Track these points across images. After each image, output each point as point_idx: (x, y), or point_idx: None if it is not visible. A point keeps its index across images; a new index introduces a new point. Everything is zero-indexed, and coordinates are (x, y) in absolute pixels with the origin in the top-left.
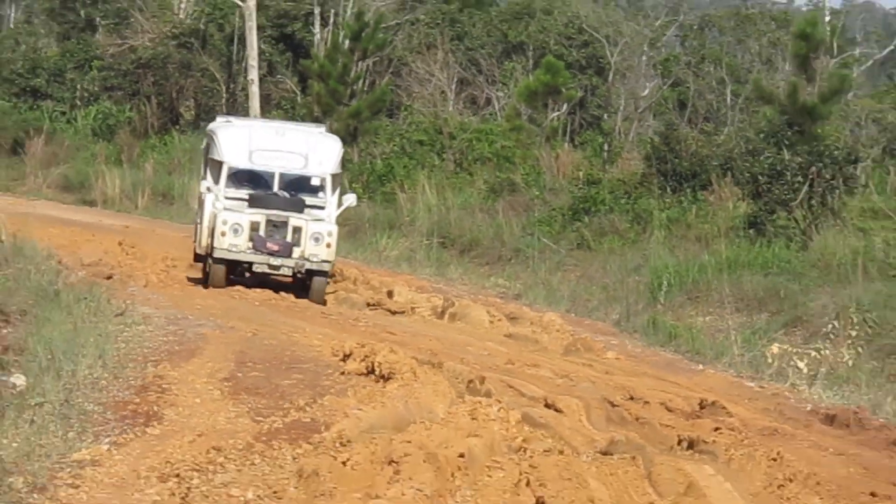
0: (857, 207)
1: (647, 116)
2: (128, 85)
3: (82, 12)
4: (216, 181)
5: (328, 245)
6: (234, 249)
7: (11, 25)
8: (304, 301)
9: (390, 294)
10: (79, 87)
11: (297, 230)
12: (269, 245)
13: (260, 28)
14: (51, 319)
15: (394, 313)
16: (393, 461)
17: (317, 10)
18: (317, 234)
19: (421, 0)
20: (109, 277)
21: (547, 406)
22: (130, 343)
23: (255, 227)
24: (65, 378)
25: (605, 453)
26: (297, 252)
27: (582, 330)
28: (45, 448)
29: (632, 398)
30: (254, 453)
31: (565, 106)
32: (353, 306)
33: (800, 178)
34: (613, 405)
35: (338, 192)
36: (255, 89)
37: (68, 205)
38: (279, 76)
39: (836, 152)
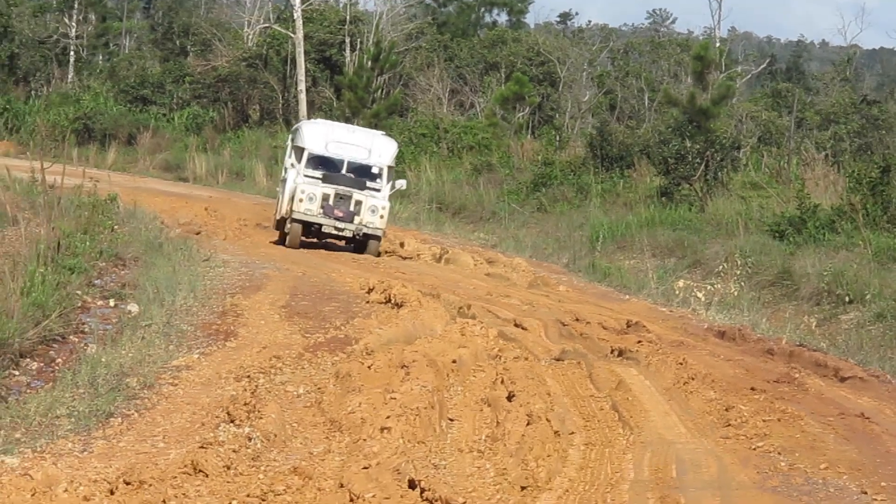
0: (740, 181)
1: (587, 116)
2: (210, 94)
3: (178, 41)
4: (298, 162)
5: (381, 216)
6: (308, 213)
7: (126, 51)
8: (341, 246)
9: (402, 245)
10: (175, 95)
11: (358, 203)
12: (336, 212)
13: (306, 52)
14: (156, 264)
15: (404, 259)
16: (404, 365)
17: (347, 39)
18: (373, 206)
19: (422, 32)
20: (198, 233)
21: (516, 325)
22: (214, 280)
23: (326, 197)
24: (166, 306)
25: (558, 359)
26: (357, 219)
27: (541, 270)
28: (152, 357)
29: (577, 319)
30: (303, 360)
31: (528, 109)
32: (381, 254)
33: (698, 160)
34: (564, 325)
35: (391, 180)
36: (302, 97)
37: (168, 181)
38: (320, 87)
39: (724, 141)
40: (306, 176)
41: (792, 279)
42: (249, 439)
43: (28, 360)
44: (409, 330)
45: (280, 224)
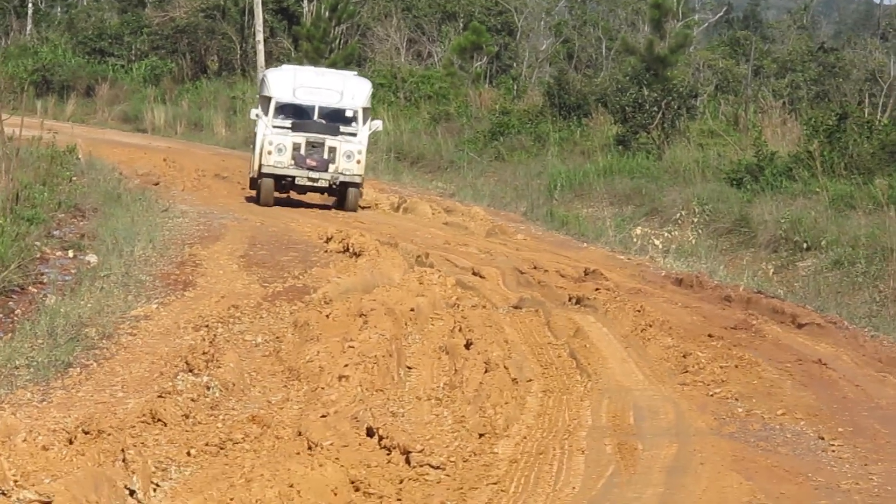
0: (697, 129)
1: (544, 65)
2: (168, 45)
3: None
4: (265, 113)
5: (358, 161)
6: (279, 166)
7: (84, 3)
8: (300, 196)
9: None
10: (133, 47)
11: (332, 150)
12: (308, 161)
13: (263, 3)
14: (114, 214)
15: (362, 208)
16: (362, 314)
17: None
18: (348, 152)
19: None
20: (157, 184)
21: (474, 274)
22: (172, 231)
23: (296, 147)
24: (125, 256)
25: (516, 307)
26: (332, 168)
27: (499, 219)
28: (110, 307)
29: (535, 267)
30: (262, 310)
31: (485, 58)
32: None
33: (655, 108)
34: (522, 272)
35: (367, 122)
36: (260, 48)
37: (126, 132)
38: (278, 38)
39: (681, 89)
40: (275, 127)
41: (749, 226)
42: (208, 388)
43: None
44: (367, 279)
45: (254, 183)
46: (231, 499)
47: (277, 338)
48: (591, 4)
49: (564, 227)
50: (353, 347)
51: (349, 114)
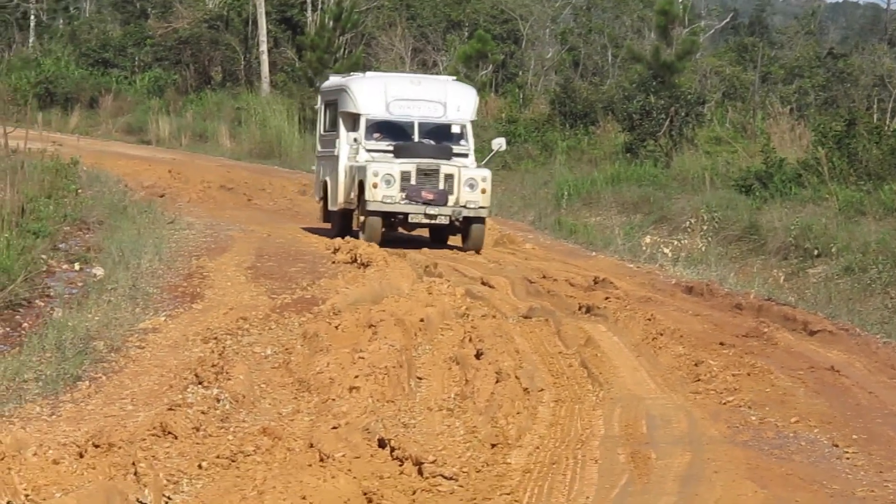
0: (705, 136)
1: (550, 73)
2: (172, 56)
3: (138, 4)
4: (352, 132)
5: (483, 191)
6: (388, 201)
7: (87, 14)
8: (307, 207)
9: None
10: (136, 58)
11: (449, 178)
12: (423, 194)
13: (267, 13)
14: (120, 227)
15: None
16: (372, 325)
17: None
18: (471, 180)
19: None
20: (162, 196)
21: (483, 283)
22: (179, 243)
23: (405, 176)
24: (132, 269)
25: (526, 317)
26: (451, 200)
27: (507, 228)
28: (118, 320)
29: (544, 277)
30: (270, 321)
31: (491, 66)
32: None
33: (663, 116)
34: (531, 282)
35: (471, 137)
36: (264, 58)
37: (131, 144)
38: (282, 48)
39: (688, 96)
40: (370, 150)
41: (759, 234)
42: (218, 401)
43: None
44: (375, 289)
45: (334, 216)
46: None
47: (287, 349)
48: (597, 12)
49: (573, 236)
50: (363, 358)
51: (456, 130)
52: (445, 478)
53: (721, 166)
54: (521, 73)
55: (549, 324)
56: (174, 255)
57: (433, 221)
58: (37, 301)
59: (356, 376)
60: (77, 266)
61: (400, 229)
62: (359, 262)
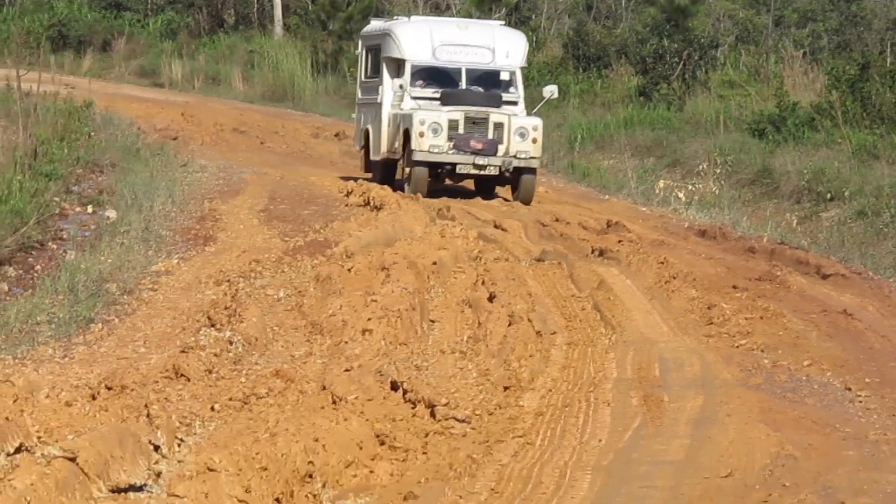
0: (718, 80)
1: (563, 16)
2: None
3: None
4: (397, 78)
5: (534, 140)
6: (435, 150)
7: None
8: (320, 150)
9: None
10: (149, 1)
11: (498, 126)
12: (472, 143)
13: None
14: (133, 169)
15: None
16: (384, 268)
17: None
18: (522, 129)
19: None
20: (175, 139)
21: (496, 227)
22: (192, 185)
23: (453, 125)
24: (145, 212)
25: (538, 260)
26: (501, 150)
27: None
28: (131, 263)
29: (557, 220)
30: (283, 264)
31: (504, 10)
32: (353, 157)
33: (676, 59)
34: (544, 225)
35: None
36: (277, 1)
37: (144, 87)
38: None
39: (702, 40)
40: (415, 98)
41: (772, 177)
42: (230, 343)
43: (7, 267)
44: (388, 232)
45: (376, 166)
46: (256, 453)
47: (299, 292)
48: None
49: (586, 180)
50: (375, 301)
51: (505, 76)
52: (458, 420)
53: (734, 110)
54: (534, 16)
55: (561, 267)
56: (187, 197)
57: (482, 172)
58: (49, 243)
59: (369, 319)
60: (90, 209)
61: (447, 180)
62: (371, 204)
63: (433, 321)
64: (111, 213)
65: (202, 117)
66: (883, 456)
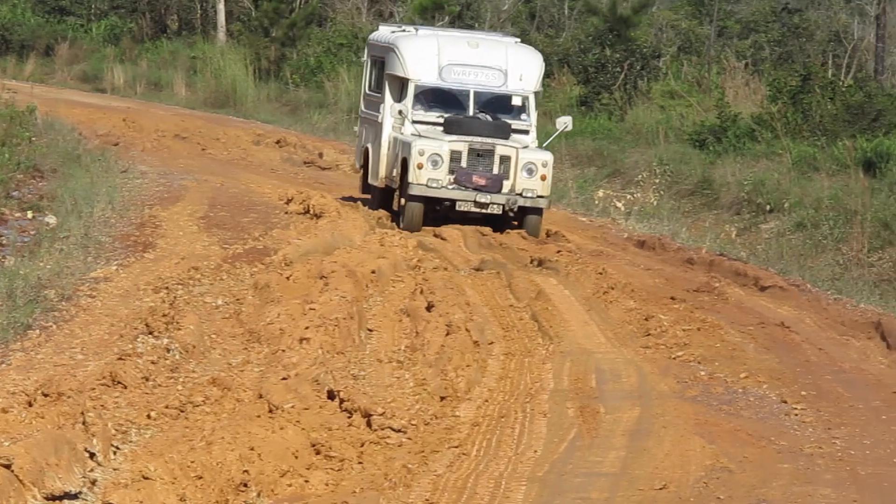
0: (660, 90)
1: (506, 25)
2: (128, 4)
3: None
4: (400, 100)
5: (543, 177)
6: (433, 185)
7: None
8: (260, 157)
9: (321, 155)
10: (93, 6)
11: (505, 160)
12: (475, 179)
13: None
14: (74, 175)
15: (323, 169)
16: (323, 276)
17: None
18: (530, 164)
19: None
20: (116, 144)
21: (435, 236)
22: (132, 192)
23: (455, 157)
24: (84, 218)
25: (477, 269)
26: (506, 186)
27: None
28: (70, 269)
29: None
30: (222, 271)
31: (447, 17)
32: (294, 164)
33: (618, 69)
34: (483, 235)
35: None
36: (221, 7)
37: (86, 92)
38: None
39: (644, 50)
40: (417, 122)
41: (712, 188)
42: (168, 350)
43: None
44: (327, 240)
45: (374, 191)
46: (192, 461)
47: (238, 300)
48: None
49: None
50: (313, 310)
51: (517, 101)
52: (394, 430)
53: (675, 120)
54: (477, 24)
55: (500, 277)
56: (127, 203)
57: (484, 210)
58: None
59: (306, 327)
60: (30, 214)
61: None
62: (311, 212)
63: (371, 330)
64: (51, 219)
65: (144, 123)
66: (818, 469)
